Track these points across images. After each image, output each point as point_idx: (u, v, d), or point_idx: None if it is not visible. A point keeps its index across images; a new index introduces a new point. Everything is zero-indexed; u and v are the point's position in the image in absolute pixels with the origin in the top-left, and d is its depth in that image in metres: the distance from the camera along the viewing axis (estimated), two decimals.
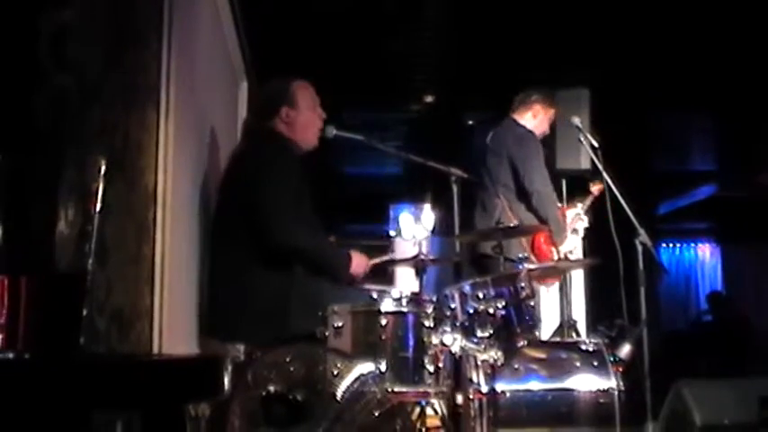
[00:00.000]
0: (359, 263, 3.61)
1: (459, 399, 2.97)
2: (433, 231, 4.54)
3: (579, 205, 5.12)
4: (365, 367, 2.77)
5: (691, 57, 7.57)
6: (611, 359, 3.17)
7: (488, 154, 5.05)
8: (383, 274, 4.14)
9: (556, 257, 4.76)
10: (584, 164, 5.21)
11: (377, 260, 3.74)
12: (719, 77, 7.87)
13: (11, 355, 1.23)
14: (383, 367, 2.80)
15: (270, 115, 3.70)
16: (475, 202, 5.01)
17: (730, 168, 10.29)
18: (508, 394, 3.05)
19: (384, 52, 7.82)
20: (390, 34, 7.57)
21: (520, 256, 3.50)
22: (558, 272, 4.76)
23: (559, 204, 5.03)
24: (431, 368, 2.88)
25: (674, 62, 7.68)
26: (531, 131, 5.01)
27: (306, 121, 3.73)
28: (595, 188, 4.92)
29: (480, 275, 3.71)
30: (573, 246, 5.00)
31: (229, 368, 1.33)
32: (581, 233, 5.15)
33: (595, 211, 4.99)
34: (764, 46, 6.95)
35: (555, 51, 7.30)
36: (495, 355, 3.06)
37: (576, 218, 5.01)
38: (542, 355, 3.30)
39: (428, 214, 4.34)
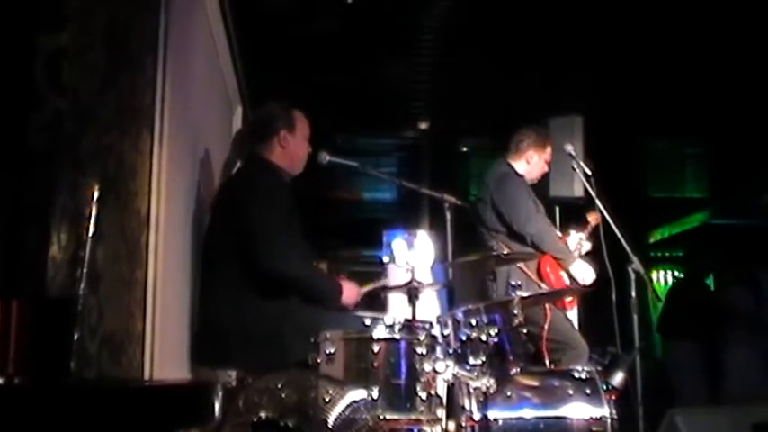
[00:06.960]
0: (350, 293, 3.60)
1: (452, 426, 2.96)
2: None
3: (580, 234, 5.05)
4: (357, 394, 2.75)
5: (683, 84, 7.63)
6: (604, 387, 3.15)
7: (479, 203, 4.97)
8: (376, 301, 4.12)
9: (568, 281, 4.73)
10: (578, 191, 5.18)
11: (369, 288, 3.73)
12: (712, 105, 7.93)
13: (1, 380, 1.22)
14: (375, 394, 2.78)
15: (268, 136, 3.71)
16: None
17: (723, 195, 10.31)
18: (500, 422, 3.03)
19: (379, 79, 7.86)
20: (385, 61, 7.62)
21: (513, 283, 3.47)
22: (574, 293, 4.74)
23: (560, 234, 4.98)
24: (423, 395, 2.86)
25: (667, 90, 7.74)
26: (512, 171, 4.88)
27: (299, 149, 3.75)
28: (592, 218, 4.88)
29: None
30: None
31: (220, 394, 1.33)
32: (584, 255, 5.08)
33: (588, 239, 4.97)
34: (756, 74, 7.01)
35: (549, 79, 7.36)
36: (487, 382, 3.04)
37: (579, 244, 4.96)
38: (535, 383, 3.29)
39: (426, 241, 4.32)
